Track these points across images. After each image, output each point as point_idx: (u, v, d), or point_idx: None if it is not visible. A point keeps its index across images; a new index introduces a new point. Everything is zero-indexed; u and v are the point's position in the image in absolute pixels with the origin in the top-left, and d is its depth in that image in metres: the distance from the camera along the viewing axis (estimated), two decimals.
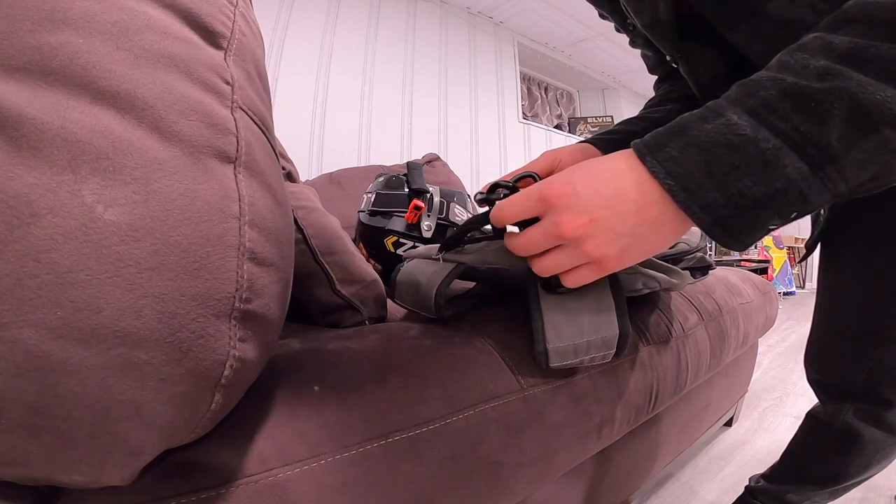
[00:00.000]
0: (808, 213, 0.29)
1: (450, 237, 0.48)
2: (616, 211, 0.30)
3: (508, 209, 0.35)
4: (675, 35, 0.48)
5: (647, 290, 0.53)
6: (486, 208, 0.40)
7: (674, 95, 0.63)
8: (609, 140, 0.56)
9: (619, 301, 0.44)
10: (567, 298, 0.44)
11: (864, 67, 0.26)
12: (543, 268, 0.34)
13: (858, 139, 0.26)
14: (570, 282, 0.35)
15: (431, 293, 0.45)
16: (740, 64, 0.44)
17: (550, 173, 0.42)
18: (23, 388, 0.19)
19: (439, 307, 0.46)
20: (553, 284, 0.44)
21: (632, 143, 0.32)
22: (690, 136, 0.29)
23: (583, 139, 0.57)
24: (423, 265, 0.49)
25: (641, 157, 0.30)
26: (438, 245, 0.51)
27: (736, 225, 0.29)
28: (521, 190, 0.35)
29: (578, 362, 0.45)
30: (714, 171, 0.28)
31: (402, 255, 0.58)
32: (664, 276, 0.48)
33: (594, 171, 0.32)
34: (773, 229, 0.30)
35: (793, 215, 0.29)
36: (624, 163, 0.31)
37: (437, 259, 0.48)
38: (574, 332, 0.43)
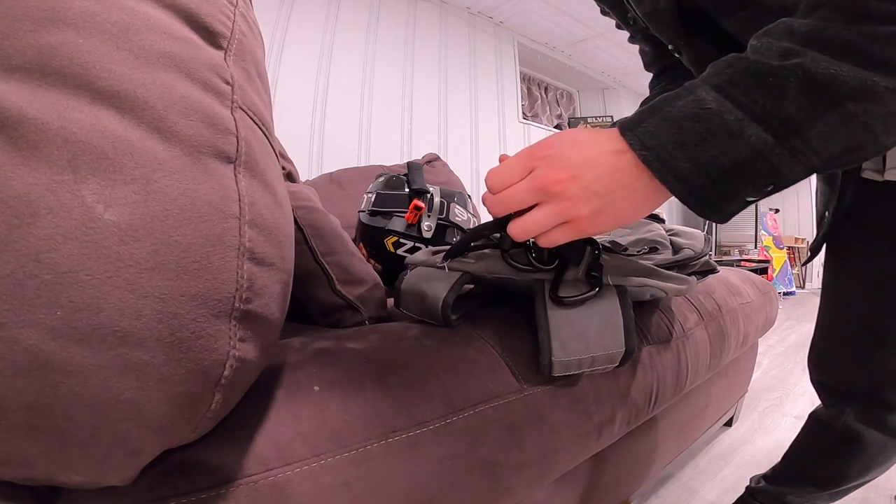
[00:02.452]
0: (785, 186, 0.31)
1: (454, 246, 0.48)
2: (595, 171, 0.32)
3: (504, 172, 0.36)
4: (677, 23, 0.48)
5: (651, 298, 0.52)
6: (491, 219, 0.40)
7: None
8: None
9: (627, 317, 0.44)
10: (574, 312, 0.44)
11: (822, 48, 0.28)
12: (522, 228, 0.35)
13: (820, 112, 0.27)
14: (544, 242, 0.36)
15: (438, 303, 0.46)
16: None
17: None
18: (23, 388, 0.19)
19: (447, 317, 0.46)
20: (561, 297, 0.44)
21: (616, 121, 0.34)
22: (665, 112, 0.31)
23: None
24: (427, 274, 0.50)
25: (622, 132, 0.33)
26: (440, 249, 0.50)
27: (709, 194, 0.30)
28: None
29: (581, 372, 0.45)
30: (685, 142, 0.30)
31: (404, 261, 0.58)
32: (672, 285, 0.47)
33: (579, 137, 0.35)
34: (751, 201, 0.32)
35: (769, 188, 0.31)
36: (606, 135, 0.34)
37: (442, 268, 0.48)
38: (580, 348, 0.43)
